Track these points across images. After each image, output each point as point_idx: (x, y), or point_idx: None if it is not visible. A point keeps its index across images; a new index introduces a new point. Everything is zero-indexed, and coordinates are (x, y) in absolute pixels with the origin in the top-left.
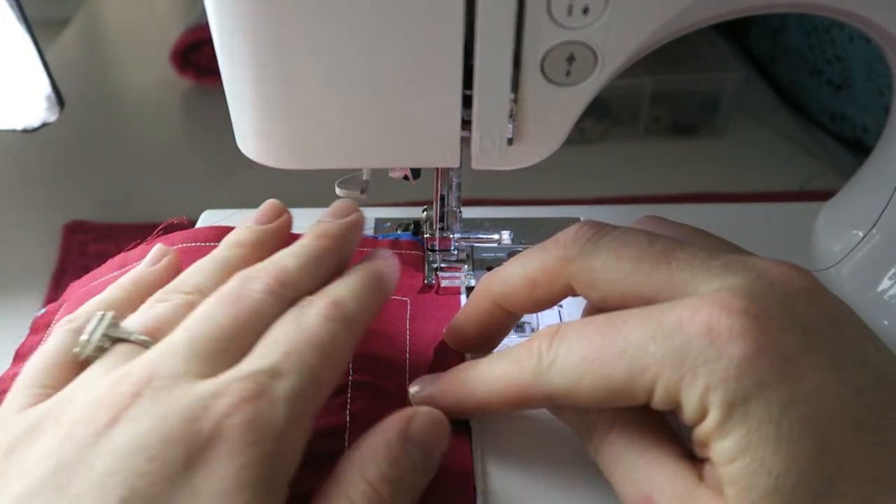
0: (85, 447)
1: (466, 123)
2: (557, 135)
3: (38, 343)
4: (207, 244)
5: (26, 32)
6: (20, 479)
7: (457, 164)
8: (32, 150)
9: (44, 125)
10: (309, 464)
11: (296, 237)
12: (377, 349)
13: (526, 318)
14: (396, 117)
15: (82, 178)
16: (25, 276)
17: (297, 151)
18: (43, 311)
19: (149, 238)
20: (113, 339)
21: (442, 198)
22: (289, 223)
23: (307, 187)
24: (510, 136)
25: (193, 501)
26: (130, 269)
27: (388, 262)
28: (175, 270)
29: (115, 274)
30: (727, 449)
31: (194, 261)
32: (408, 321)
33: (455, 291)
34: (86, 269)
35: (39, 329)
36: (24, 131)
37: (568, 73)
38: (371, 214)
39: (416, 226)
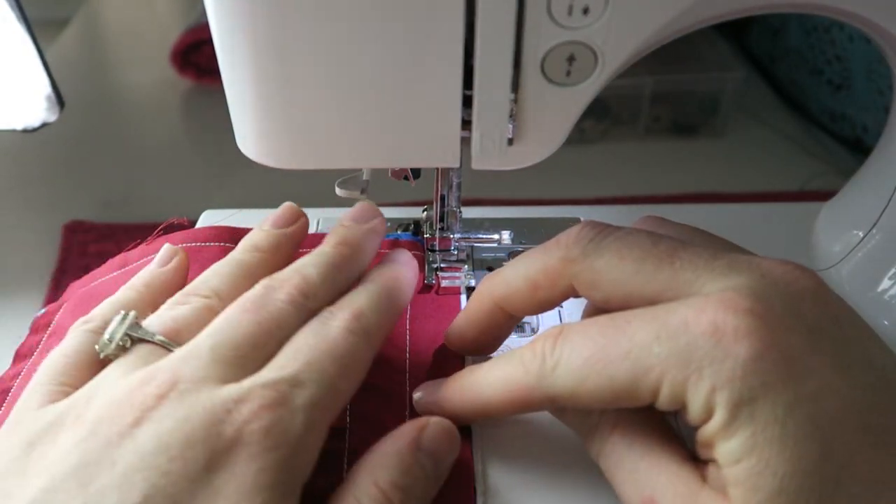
0: (109, 445)
1: (466, 123)
2: (557, 135)
3: (38, 343)
4: (208, 244)
5: (26, 32)
6: (42, 474)
7: (457, 164)
8: (32, 150)
9: (44, 125)
10: None
11: (313, 237)
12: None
13: (526, 318)
14: (396, 117)
15: (82, 178)
16: (25, 276)
17: (297, 151)
18: (43, 311)
19: (149, 238)
20: (134, 339)
21: (442, 198)
22: (305, 227)
23: (307, 187)
24: (510, 136)
25: (213, 501)
26: (131, 269)
27: (408, 270)
28: (185, 271)
29: (115, 274)
30: (733, 449)
31: (195, 262)
32: (408, 321)
33: (455, 291)
34: (86, 269)
35: (39, 329)
36: (24, 131)
37: (568, 73)
38: None
39: (416, 226)
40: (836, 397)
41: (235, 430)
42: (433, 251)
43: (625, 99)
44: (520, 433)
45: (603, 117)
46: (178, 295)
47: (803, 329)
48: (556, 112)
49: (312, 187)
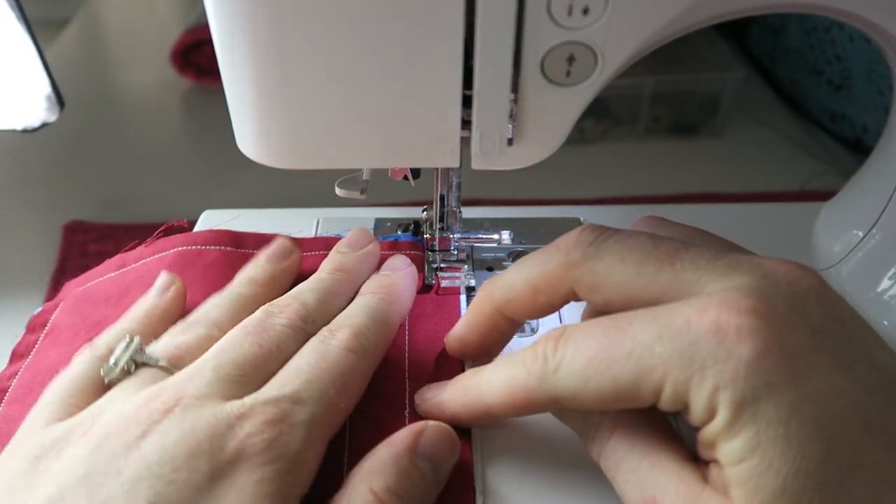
0: (115, 456)
1: (466, 123)
2: (557, 135)
3: (34, 342)
4: (207, 247)
5: (26, 32)
6: (49, 484)
7: (457, 164)
8: (32, 150)
9: (44, 125)
10: None
11: (312, 241)
12: None
13: None
14: (397, 117)
15: (82, 178)
16: (25, 276)
17: (297, 151)
18: (39, 309)
19: (147, 240)
20: (138, 363)
21: (442, 198)
22: (299, 262)
23: (307, 187)
24: (510, 136)
25: None
26: (128, 270)
27: (406, 279)
28: (183, 299)
29: (112, 275)
30: (735, 449)
31: (194, 265)
32: (407, 321)
33: (455, 291)
34: (85, 270)
35: (36, 328)
36: (24, 131)
37: (568, 74)
38: (371, 214)
39: (416, 226)
40: (838, 397)
41: (238, 444)
42: (433, 251)
43: (625, 99)
44: (520, 434)
45: (603, 117)
46: (180, 325)
47: (806, 328)
48: (556, 112)
49: (312, 187)
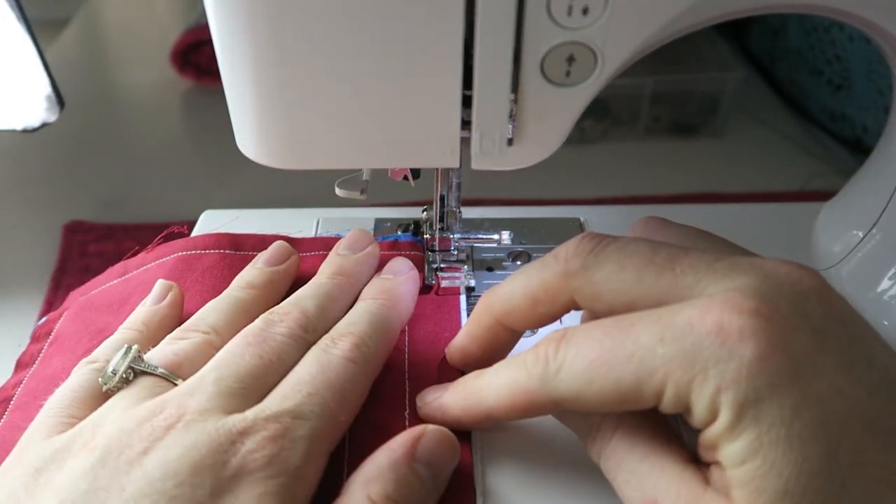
0: (118, 472)
1: (466, 123)
2: (557, 135)
3: (39, 352)
4: (207, 251)
5: (26, 32)
6: (51, 499)
7: (457, 164)
8: (32, 150)
9: (44, 125)
10: None
11: (312, 241)
12: None
13: None
14: (396, 117)
15: (82, 178)
16: (25, 277)
17: (297, 151)
18: (43, 319)
19: (148, 247)
20: (136, 371)
21: (442, 198)
22: (297, 265)
23: (307, 187)
24: (510, 136)
25: None
26: (131, 277)
27: (409, 283)
28: (180, 306)
29: (115, 282)
30: (737, 451)
31: (194, 270)
32: (407, 322)
33: (455, 292)
34: (86, 269)
35: (40, 338)
36: (24, 131)
37: (568, 74)
38: (371, 214)
39: (416, 226)
40: (840, 397)
41: (240, 460)
42: (433, 251)
43: (625, 99)
44: (520, 435)
45: (603, 117)
46: (178, 331)
47: (808, 329)
48: (556, 112)
49: (312, 187)
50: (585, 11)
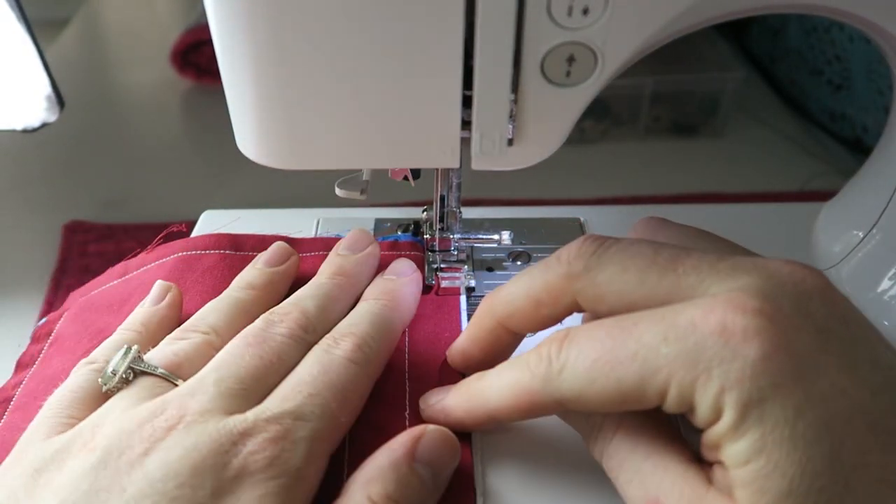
0: (119, 473)
1: (466, 123)
2: (557, 135)
3: (39, 352)
4: (207, 252)
5: (26, 32)
6: (51, 499)
7: (457, 165)
8: (32, 150)
9: (44, 125)
10: None
11: (312, 241)
12: None
13: None
14: (396, 117)
15: (82, 178)
16: (25, 277)
17: (297, 151)
18: (44, 320)
19: (148, 247)
20: (136, 372)
21: (442, 198)
22: (297, 265)
23: (307, 187)
24: (510, 136)
25: None
26: (131, 278)
27: (411, 285)
28: (179, 307)
29: (115, 283)
30: (741, 451)
31: (194, 270)
32: None
33: (455, 292)
34: (86, 269)
35: (40, 338)
36: (24, 131)
37: (568, 74)
38: (371, 215)
39: (416, 226)
40: (843, 398)
41: (241, 461)
42: (433, 251)
43: (625, 99)
44: (520, 435)
45: (603, 117)
46: (178, 331)
47: (812, 329)
48: (556, 112)
49: (312, 187)
50: (585, 11)
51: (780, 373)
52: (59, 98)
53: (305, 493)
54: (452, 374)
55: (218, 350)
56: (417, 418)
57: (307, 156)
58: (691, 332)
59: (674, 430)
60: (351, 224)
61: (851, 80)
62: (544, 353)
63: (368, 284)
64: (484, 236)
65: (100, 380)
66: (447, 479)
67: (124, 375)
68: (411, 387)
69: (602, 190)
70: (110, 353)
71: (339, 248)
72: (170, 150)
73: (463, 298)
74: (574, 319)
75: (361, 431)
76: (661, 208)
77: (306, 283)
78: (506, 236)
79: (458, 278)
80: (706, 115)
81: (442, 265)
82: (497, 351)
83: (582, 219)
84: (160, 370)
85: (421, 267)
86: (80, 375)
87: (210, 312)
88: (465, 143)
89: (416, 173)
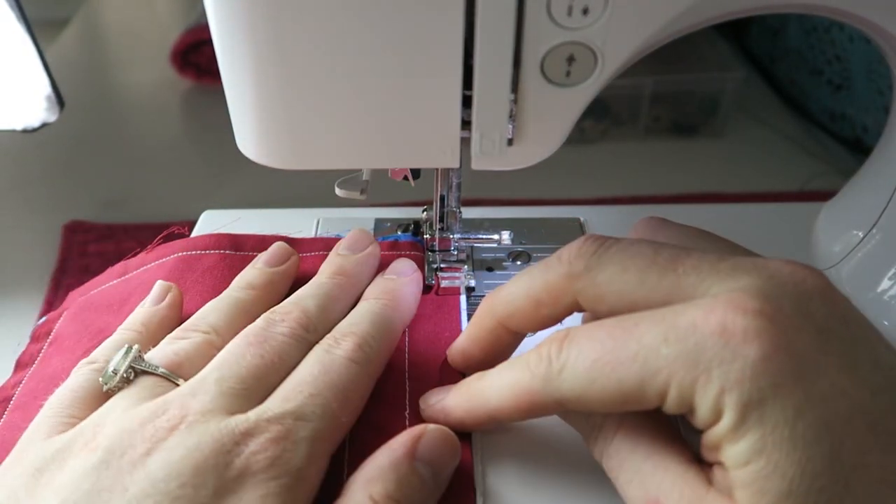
0: (121, 473)
1: (466, 123)
2: (557, 135)
3: (38, 351)
4: (207, 252)
5: (26, 32)
6: (52, 499)
7: (457, 165)
8: (32, 150)
9: (44, 125)
10: None
11: (311, 242)
12: None
13: None
14: (397, 117)
15: (82, 178)
16: (25, 277)
17: (297, 151)
18: (43, 319)
19: (148, 247)
20: (137, 371)
21: (442, 198)
22: (297, 265)
23: (307, 187)
24: (510, 136)
25: None
26: (130, 277)
27: (412, 285)
28: (180, 307)
29: (115, 282)
30: (741, 452)
31: (194, 270)
32: None
33: (455, 292)
34: (86, 270)
35: (40, 337)
36: (24, 131)
37: (568, 74)
38: (371, 214)
39: (416, 226)
40: (843, 398)
41: (243, 461)
42: (433, 251)
43: (625, 99)
44: (520, 435)
45: (603, 117)
46: (178, 330)
47: (812, 329)
48: (556, 112)
49: (312, 187)
50: (585, 11)
51: (780, 373)
52: (59, 98)
53: (306, 492)
54: (452, 374)
55: (218, 350)
56: (417, 418)
57: (307, 156)
58: (692, 332)
59: (674, 430)
60: (351, 224)
61: (851, 80)
62: (544, 354)
63: (369, 284)
64: (484, 236)
65: (100, 379)
66: (447, 479)
67: (125, 375)
68: (411, 387)
69: (602, 190)
70: (111, 353)
71: (339, 248)
72: (170, 150)
73: (463, 298)
74: (574, 319)
75: (362, 431)
76: (661, 208)
77: (306, 282)
78: (506, 236)
79: (458, 278)
80: (706, 115)
81: (442, 265)
82: (497, 350)
83: (582, 219)
84: (161, 370)
85: (421, 267)
86: (80, 375)
87: (210, 312)
88: (465, 143)
89: (416, 173)
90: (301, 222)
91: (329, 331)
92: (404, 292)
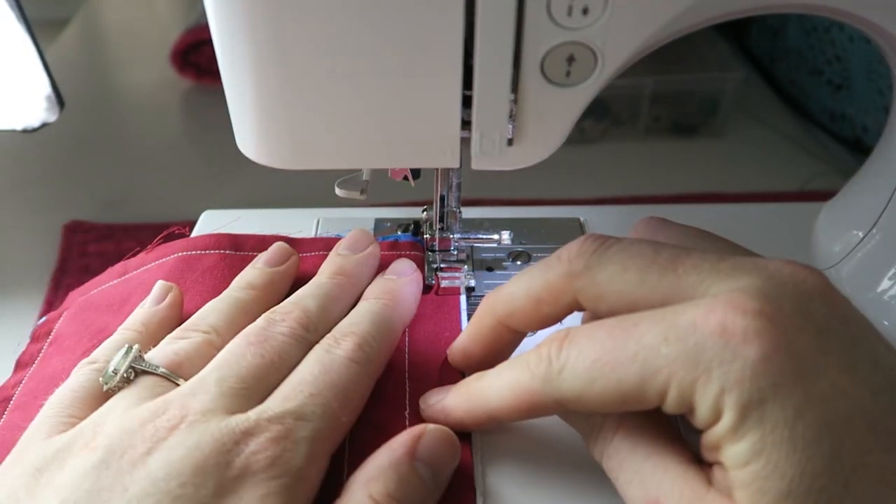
0: (121, 473)
1: (466, 123)
2: (557, 135)
3: (38, 351)
4: (207, 252)
5: (26, 32)
6: (52, 498)
7: (457, 165)
8: (32, 150)
9: (44, 125)
10: None
11: (311, 241)
12: None
13: None
14: (397, 117)
15: (82, 178)
16: (25, 277)
17: (297, 151)
18: (43, 319)
19: (148, 247)
20: (137, 371)
21: (442, 198)
22: (297, 265)
23: (307, 187)
24: (510, 136)
25: None
26: (130, 277)
27: (412, 285)
28: (180, 307)
29: (115, 282)
30: (741, 452)
31: (194, 270)
32: None
33: (455, 292)
34: (86, 270)
35: (40, 337)
36: (24, 131)
37: (568, 74)
38: (371, 214)
39: (416, 226)
40: (843, 398)
41: (243, 461)
42: (433, 251)
43: (625, 99)
44: (520, 435)
45: (603, 117)
46: (178, 330)
47: (812, 329)
48: (556, 112)
49: (312, 187)
50: (585, 11)
51: (780, 373)
52: (59, 98)
53: (307, 492)
54: (453, 374)
55: (218, 350)
56: (417, 418)
57: (307, 156)
58: (691, 332)
59: (674, 430)
60: (351, 224)
61: (851, 80)
62: (544, 353)
63: (369, 284)
64: (484, 236)
65: (101, 379)
66: (447, 479)
67: (125, 375)
68: (411, 386)
69: (602, 190)
70: (111, 353)
71: (339, 248)
72: (170, 150)
73: (463, 298)
74: (574, 319)
75: (362, 431)
76: (661, 208)
77: (306, 282)
78: (506, 236)
79: (458, 278)
80: (706, 115)
81: (442, 265)
82: (498, 349)
83: (582, 219)
84: (161, 369)
85: (421, 267)
86: (80, 375)
87: (210, 312)
88: (465, 143)
89: (416, 173)
90: (301, 222)
91: (329, 331)
92: (404, 292)
